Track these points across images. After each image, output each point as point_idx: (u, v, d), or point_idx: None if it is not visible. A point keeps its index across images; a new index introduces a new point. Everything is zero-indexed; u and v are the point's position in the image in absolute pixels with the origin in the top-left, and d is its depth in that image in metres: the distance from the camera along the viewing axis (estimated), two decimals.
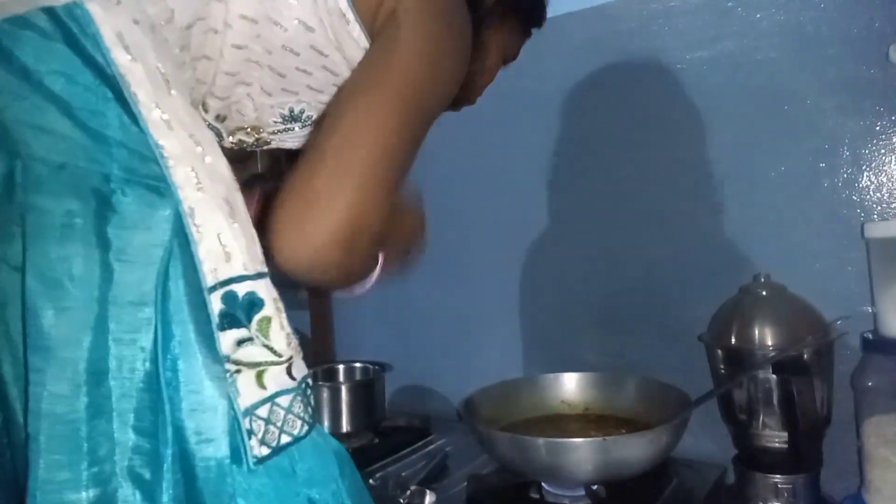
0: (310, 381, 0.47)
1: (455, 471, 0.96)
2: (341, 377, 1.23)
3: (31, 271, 0.39)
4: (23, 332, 0.40)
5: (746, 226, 0.94)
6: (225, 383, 0.41)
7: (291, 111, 0.59)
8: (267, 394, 0.42)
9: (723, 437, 0.86)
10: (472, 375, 1.03)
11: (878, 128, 0.85)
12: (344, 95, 0.53)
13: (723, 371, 0.84)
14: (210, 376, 0.41)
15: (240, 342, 0.42)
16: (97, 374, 0.39)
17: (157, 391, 0.40)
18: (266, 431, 0.42)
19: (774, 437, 0.77)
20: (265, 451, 0.42)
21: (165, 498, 0.39)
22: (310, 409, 0.45)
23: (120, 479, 0.39)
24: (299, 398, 0.44)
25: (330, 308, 1.43)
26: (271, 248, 0.45)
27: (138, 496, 0.39)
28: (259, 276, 0.43)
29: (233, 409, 0.41)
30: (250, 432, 0.41)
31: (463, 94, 0.63)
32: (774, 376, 0.77)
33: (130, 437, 0.39)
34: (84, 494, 0.38)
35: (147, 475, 0.39)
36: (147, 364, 0.40)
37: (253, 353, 0.42)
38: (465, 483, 0.90)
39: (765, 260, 0.91)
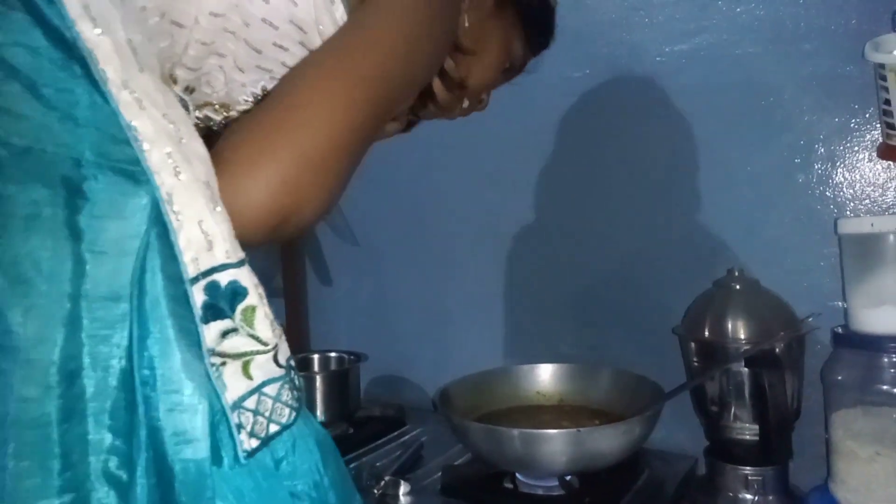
0: (293, 363, 0.45)
1: (430, 461, 0.96)
2: (316, 367, 1.22)
3: None
4: None
5: (721, 220, 0.95)
6: (206, 383, 0.39)
7: (264, 90, 0.55)
8: (254, 384, 0.41)
9: (695, 429, 0.87)
10: (447, 366, 1.03)
11: (853, 125, 0.86)
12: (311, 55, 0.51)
13: (696, 364, 0.85)
14: (190, 375, 0.39)
15: (224, 333, 0.40)
16: (69, 374, 0.37)
17: (133, 390, 0.38)
18: (255, 423, 0.41)
19: (745, 430, 0.79)
20: (255, 443, 0.41)
21: (141, 500, 0.38)
22: (295, 394, 0.44)
23: (94, 481, 0.37)
24: (286, 385, 0.43)
25: (305, 297, 1.42)
26: (233, 186, 0.42)
27: (114, 498, 0.37)
28: (240, 263, 0.41)
29: (216, 407, 0.40)
30: (239, 426, 0.40)
31: (460, 83, 0.61)
32: (746, 369, 0.78)
33: (105, 438, 0.37)
34: (57, 501, 0.36)
35: (123, 477, 0.37)
36: (122, 362, 0.38)
37: (238, 343, 0.41)
38: (440, 473, 0.91)
39: (739, 254, 0.91)
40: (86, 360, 0.37)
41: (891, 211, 0.84)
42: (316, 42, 0.52)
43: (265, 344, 0.42)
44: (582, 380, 0.99)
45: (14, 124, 0.38)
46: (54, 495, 0.36)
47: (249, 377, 0.41)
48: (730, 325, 0.81)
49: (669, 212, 0.99)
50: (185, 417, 0.38)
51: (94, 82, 0.39)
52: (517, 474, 0.85)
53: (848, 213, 0.86)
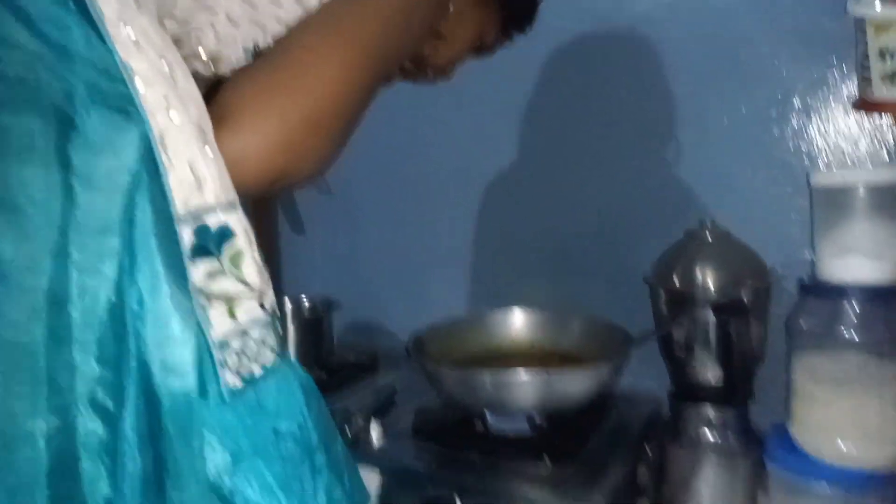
0: (277, 310, 0.46)
1: (402, 405, 0.97)
2: (289, 313, 1.21)
3: None
4: None
5: (696, 172, 0.96)
6: (194, 317, 0.39)
7: (256, 46, 0.53)
8: (239, 326, 0.42)
9: (661, 374, 0.89)
10: (421, 313, 1.03)
11: (829, 78, 0.86)
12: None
13: (665, 312, 0.86)
14: (179, 310, 0.39)
15: (211, 274, 0.41)
16: (57, 303, 0.37)
17: (122, 322, 0.38)
18: (239, 363, 0.42)
19: (709, 374, 0.81)
20: (238, 383, 0.41)
21: (128, 429, 0.38)
22: (278, 339, 0.45)
23: (81, 408, 0.37)
24: (270, 330, 0.44)
25: (277, 242, 1.40)
26: (235, 139, 0.42)
27: (100, 426, 0.38)
28: (231, 206, 0.42)
29: (204, 341, 0.40)
30: (223, 363, 0.41)
31: (424, 60, 0.62)
32: (714, 317, 0.79)
33: (93, 368, 0.38)
34: (43, 424, 0.36)
35: (110, 406, 0.38)
36: (111, 294, 0.38)
37: (225, 285, 0.41)
38: (412, 417, 0.92)
39: (712, 205, 0.93)
40: (73, 291, 0.37)
41: (862, 164, 0.85)
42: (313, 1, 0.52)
43: (251, 288, 0.42)
44: (553, 326, 1.01)
45: (8, 53, 0.38)
46: (40, 418, 0.36)
47: (234, 318, 0.42)
48: (699, 275, 0.82)
49: (644, 163, 0.99)
50: (173, 350, 0.39)
51: (91, 20, 0.39)
52: (488, 417, 0.87)
53: (821, 165, 0.87)
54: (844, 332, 0.73)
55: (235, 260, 0.42)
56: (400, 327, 1.19)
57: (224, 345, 0.41)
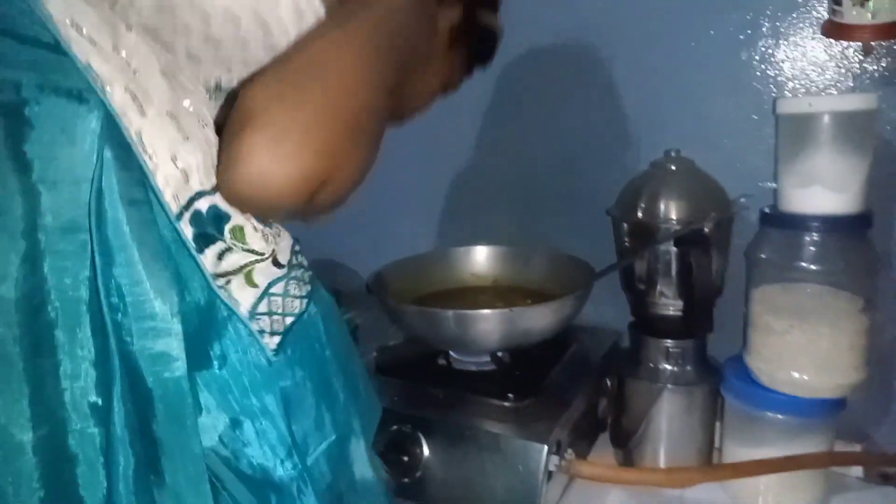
0: (296, 256, 0.47)
1: (365, 343, 0.96)
2: None
3: None
4: None
5: (662, 101, 0.93)
6: (176, 303, 0.39)
7: (219, 86, 0.50)
8: (260, 290, 0.44)
9: (621, 306, 0.89)
10: (382, 249, 1.01)
11: (800, 1, 0.83)
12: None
13: (626, 244, 0.85)
14: (160, 297, 0.38)
15: (220, 255, 0.42)
16: (32, 308, 0.35)
17: (101, 318, 0.37)
18: (272, 322, 0.44)
19: (669, 306, 0.81)
20: (276, 339, 0.44)
21: (118, 426, 0.38)
22: (306, 279, 0.47)
23: (70, 411, 0.37)
24: (292, 280, 0.46)
25: None
26: (264, 149, 0.39)
27: (93, 427, 0.37)
28: (215, 189, 0.41)
29: (220, 316, 0.42)
30: (261, 332, 0.43)
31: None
32: (675, 249, 0.79)
33: (78, 367, 0.37)
34: (31, 434, 0.35)
35: (99, 402, 0.37)
36: (87, 292, 0.37)
37: (236, 259, 0.42)
38: (375, 354, 0.91)
39: (677, 135, 0.90)
40: (51, 294, 0.36)
41: (829, 91, 0.83)
42: (281, 44, 0.49)
43: (261, 254, 0.43)
44: (515, 261, 1.00)
45: None
46: (28, 428, 0.35)
47: (255, 285, 0.43)
48: (662, 206, 0.81)
49: (608, 92, 0.96)
50: (160, 341, 0.38)
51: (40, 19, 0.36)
52: (451, 352, 0.87)
53: (787, 93, 0.85)
54: (803, 262, 0.73)
55: (237, 234, 0.42)
56: (362, 265, 1.17)
57: (253, 314, 0.43)
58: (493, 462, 0.71)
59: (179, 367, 0.39)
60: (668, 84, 0.92)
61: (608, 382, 0.86)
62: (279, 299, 0.44)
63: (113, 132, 0.37)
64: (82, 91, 0.37)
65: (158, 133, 0.39)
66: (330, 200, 0.43)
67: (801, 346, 0.72)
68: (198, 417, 0.41)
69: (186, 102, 0.42)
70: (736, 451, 0.78)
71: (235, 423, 0.43)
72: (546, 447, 0.68)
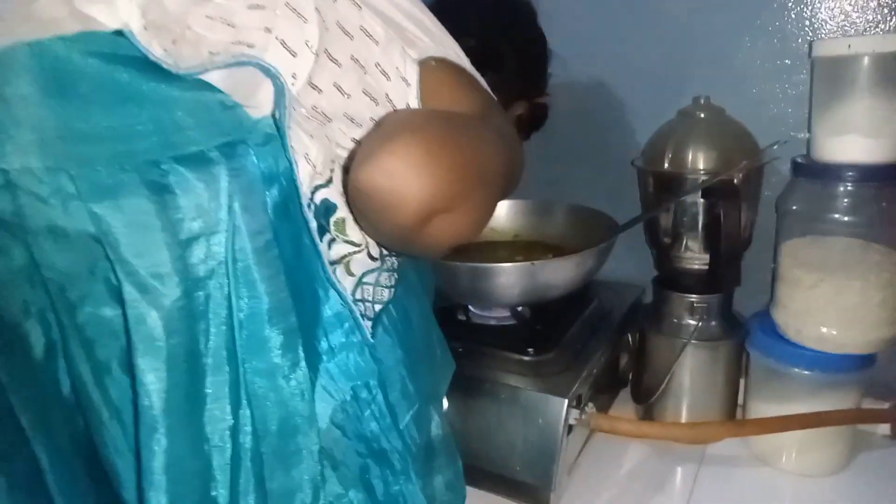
0: (384, 249, 0.50)
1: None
2: None
3: (125, 285, 0.37)
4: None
5: (691, 47, 0.89)
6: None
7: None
8: (356, 278, 0.47)
9: (644, 261, 0.88)
10: None
11: None
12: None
13: (652, 196, 0.83)
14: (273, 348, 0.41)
15: (329, 245, 0.45)
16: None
17: (235, 364, 0.40)
18: (365, 309, 0.47)
19: (695, 260, 0.79)
20: (369, 324, 0.47)
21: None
22: (391, 274, 0.50)
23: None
24: (384, 272, 0.49)
25: None
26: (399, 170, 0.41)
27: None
28: (329, 181, 0.45)
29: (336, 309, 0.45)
30: (363, 315, 0.46)
31: None
32: (703, 200, 0.76)
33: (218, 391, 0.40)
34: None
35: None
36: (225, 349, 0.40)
37: (339, 249, 0.46)
38: None
39: (707, 83, 0.86)
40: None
41: (869, 32, 0.79)
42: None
43: (358, 245, 0.47)
44: (536, 216, 0.98)
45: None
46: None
47: (352, 273, 0.47)
48: (690, 156, 0.78)
49: (635, 39, 0.92)
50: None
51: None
52: (470, 308, 0.86)
53: (823, 35, 0.81)
54: (835, 214, 0.70)
55: (340, 226, 0.46)
56: None
57: (356, 301, 0.46)
58: (512, 416, 0.70)
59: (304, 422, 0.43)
60: (697, 27, 0.88)
61: (630, 338, 0.84)
62: (370, 288, 0.48)
63: (241, 182, 0.40)
64: (204, 151, 0.39)
65: (295, 134, 0.42)
66: (438, 233, 0.44)
67: (830, 300, 0.70)
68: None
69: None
70: (760, 408, 0.77)
71: (344, 404, 0.46)
72: (566, 401, 0.68)
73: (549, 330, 0.81)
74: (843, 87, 0.69)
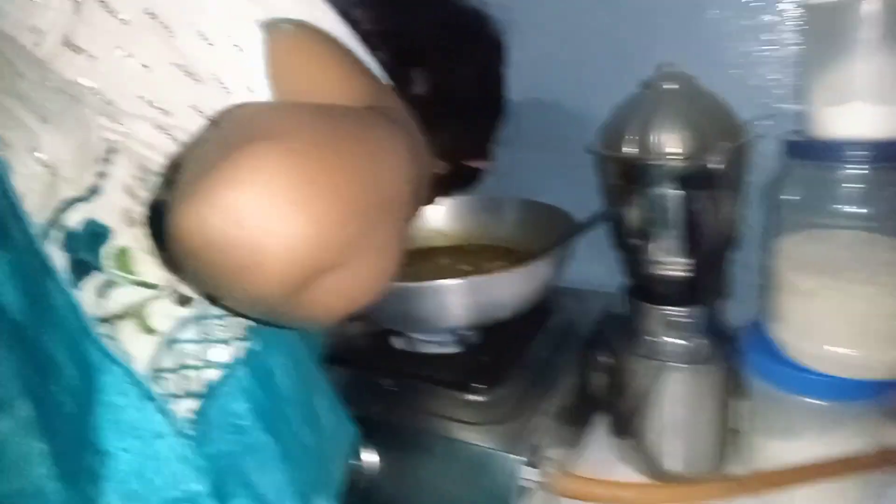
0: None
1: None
2: None
3: None
4: None
5: (651, 5, 0.75)
6: None
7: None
8: (161, 338, 0.33)
9: (612, 263, 0.74)
10: None
11: None
12: None
13: (615, 189, 0.69)
14: None
15: (101, 291, 0.32)
16: None
17: None
18: (185, 382, 0.34)
19: (670, 264, 0.66)
20: (194, 404, 0.34)
21: None
22: (228, 322, 0.36)
23: None
24: (216, 319, 0.35)
25: None
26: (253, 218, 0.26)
27: None
28: (93, 190, 0.31)
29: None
30: (169, 395, 0.33)
31: None
32: (676, 192, 0.63)
33: None
34: None
35: None
36: None
37: (121, 296, 0.32)
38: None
39: (672, 49, 0.73)
40: None
41: None
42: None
43: (158, 286, 0.33)
44: (484, 214, 0.85)
45: None
46: None
47: (152, 331, 0.33)
48: (656, 138, 0.64)
49: (587, 3, 0.78)
50: None
51: None
52: (407, 335, 0.72)
53: None
54: (838, 204, 0.57)
55: (121, 260, 0.32)
56: None
57: (157, 374, 0.33)
58: (450, 475, 0.57)
59: None
60: None
61: (598, 358, 0.71)
62: (193, 348, 0.34)
63: None
64: None
65: (9, 115, 0.29)
66: (324, 299, 0.29)
67: (834, 310, 0.58)
68: None
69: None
70: (765, 444, 0.63)
71: None
72: (519, 458, 0.54)
73: (499, 357, 0.68)
74: (841, 45, 0.56)
